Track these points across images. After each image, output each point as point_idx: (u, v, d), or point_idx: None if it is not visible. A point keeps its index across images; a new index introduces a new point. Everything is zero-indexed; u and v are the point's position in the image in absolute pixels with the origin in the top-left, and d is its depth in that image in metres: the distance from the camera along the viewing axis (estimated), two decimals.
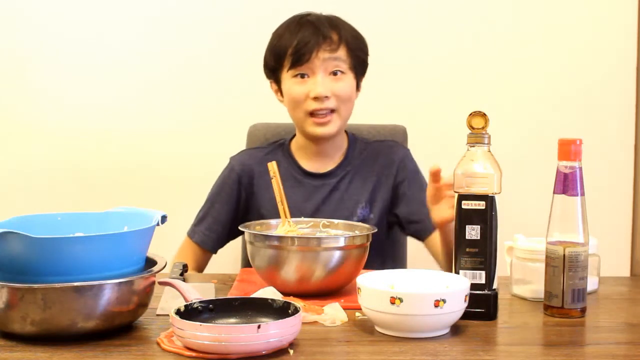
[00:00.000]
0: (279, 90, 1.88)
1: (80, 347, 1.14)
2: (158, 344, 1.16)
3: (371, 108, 2.45)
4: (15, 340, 1.16)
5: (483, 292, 1.31)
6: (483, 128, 1.37)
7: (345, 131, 1.95)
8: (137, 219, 1.27)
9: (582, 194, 1.35)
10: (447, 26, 2.52)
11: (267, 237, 1.46)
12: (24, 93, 2.51)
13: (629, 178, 2.44)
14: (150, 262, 1.28)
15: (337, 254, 1.42)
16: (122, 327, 1.21)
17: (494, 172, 1.33)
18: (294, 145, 1.94)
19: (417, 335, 1.20)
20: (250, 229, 1.52)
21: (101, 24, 2.49)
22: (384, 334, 1.23)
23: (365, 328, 1.26)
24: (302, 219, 1.62)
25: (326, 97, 1.79)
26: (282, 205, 1.58)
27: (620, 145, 2.48)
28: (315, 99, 1.79)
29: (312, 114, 1.81)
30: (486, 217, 1.32)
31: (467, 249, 1.32)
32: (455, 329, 1.25)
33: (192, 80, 2.51)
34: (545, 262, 1.37)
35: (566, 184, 1.35)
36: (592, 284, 1.50)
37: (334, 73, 1.81)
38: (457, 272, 1.33)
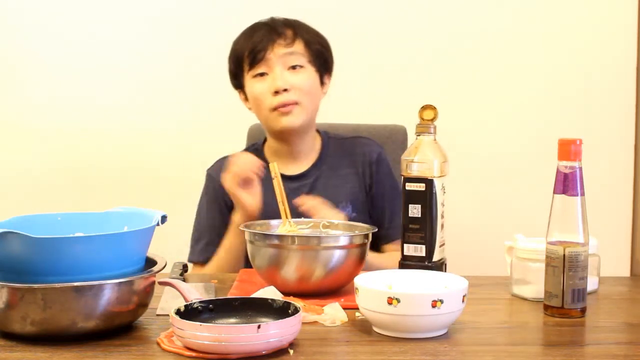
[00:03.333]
0: (246, 97, 1.89)
1: (80, 347, 1.14)
2: (158, 344, 1.16)
3: (371, 108, 2.45)
4: (15, 340, 1.16)
5: (424, 264, 1.46)
6: (432, 120, 1.50)
7: (318, 131, 1.95)
8: (137, 219, 1.27)
9: (582, 194, 1.35)
10: (447, 26, 2.52)
11: (267, 237, 1.46)
12: (24, 93, 2.51)
13: (629, 178, 2.44)
14: (150, 262, 1.28)
15: (337, 254, 1.42)
16: (122, 327, 1.21)
17: (434, 158, 1.47)
18: (267, 150, 1.94)
19: (415, 336, 1.20)
20: (250, 228, 1.52)
21: (101, 24, 2.50)
22: (382, 334, 1.23)
23: (365, 328, 1.26)
24: (303, 219, 1.62)
25: (285, 90, 1.80)
26: (283, 205, 1.58)
27: (620, 145, 2.48)
28: (276, 92, 1.80)
29: (275, 109, 1.81)
30: (426, 197, 1.46)
31: (410, 225, 1.48)
32: (455, 329, 1.25)
33: (192, 80, 2.51)
34: (545, 262, 1.37)
35: (566, 184, 1.35)
36: (592, 284, 1.50)
37: (293, 67, 1.83)
38: (402, 245, 1.48)
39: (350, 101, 2.49)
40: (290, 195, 1.85)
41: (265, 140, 1.95)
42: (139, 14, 2.50)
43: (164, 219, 1.27)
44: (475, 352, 1.16)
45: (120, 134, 2.51)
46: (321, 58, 1.88)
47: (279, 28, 1.84)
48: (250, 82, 1.84)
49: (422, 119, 1.50)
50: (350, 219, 1.79)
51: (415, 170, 1.48)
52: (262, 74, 1.82)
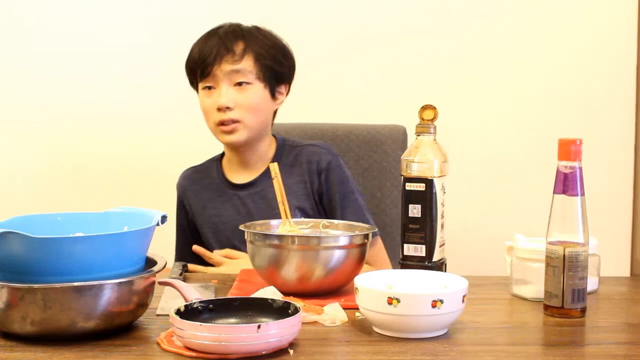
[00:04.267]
0: None
1: (80, 347, 1.14)
2: (158, 344, 1.16)
3: (371, 108, 2.46)
4: (15, 340, 1.16)
5: (424, 264, 1.46)
6: (432, 120, 1.51)
7: (275, 136, 1.95)
8: (137, 219, 1.27)
9: (582, 194, 1.35)
10: (447, 26, 2.52)
11: (267, 237, 1.46)
12: (24, 93, 2.51)
13: (629, 178, 2.44)
14: (150, 262, 1.28)
15: (337, 253, 1.42)
16: (122, 327, 1.21)
17: (434, 158, 1.47)
18: (225, 160, 1.96)
19: (415, 336, 1.20)
20: (250, 228, 1.52)
21: (101, 25, 2.50)
22: (382, 334, 1.23)
23: (365, 328, 1.26)
24: (303, 219, 1.62)
25: (228, 107, 1.81)
26: (283, 205, 1.58)
27: (620, 145, 2.48)
28: (219, 109, 1.81)
29: (219, 124, 1.83)
30: (426, 197, 1.47)
31: (410, 225, 1.48)
32: (455, 329, 1.25)
33: None
34: (545, 262, 1.37)
35: (566, 184, 1.35)
36: (592, 284, 1.50)
37: (239, 84, 1.82)
38: (402, 245, 1.49)
39: (350, 101, 2.49)
40: (240, 205, 1.87)
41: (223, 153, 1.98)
42: (139, 14, 2.50)
43: (164, 219, 1.27)
44: (475, 352, 1.16)
45: (120, 134, 2.51)
46: (271, 72, 1.86)
47: (228, 42, 1.82)
48: (201, 93, 1.87)
49: (422, 119, 1.51)
50: None
51: (415, 170, 1.48)
52: (209, 87, 1.84)
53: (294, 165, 1.89)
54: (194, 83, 1.91)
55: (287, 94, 1.92)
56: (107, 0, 2.50)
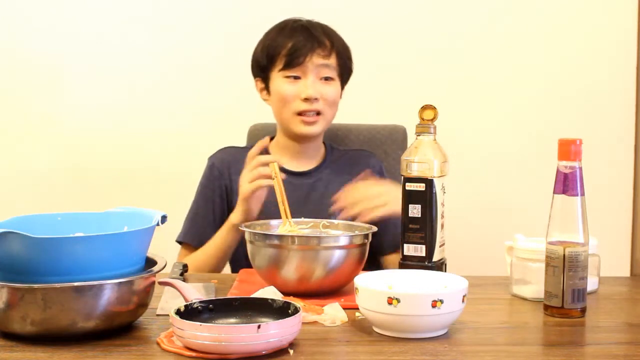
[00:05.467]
0: (265, 88, 1.93)
1: (80, 347, 1.14)
2: (158, 344, 1.16)
3: (371, 108, 2.45)
4: (15, 340, 1.16)
5: (424, 264, 1.46)
6: (432, 120, 1.51)
7: (323, 142, 2.00)
8: (137, 219, 1.27)
9: (582, 194, 1.35)
10: (447, 26, 2.52)
11: (267, 237, 1.46)
12: (24, 93, 2.51)
13: (629, 178, 2.43)
14: (150, 262, 1.28)
15: (337, 254, 1.42)
16: (122, 327, 1.21)
17: (434, 158, 1.47)
18: (274, 146, 1.97)
19: (415, 336, 1.20)
20: (250, 228, 1.52)
21: (102, 25, 2.50)
22: (382, 334, 1.23)
23: (365, 328, 1.26)
24: (303, 219, 1.62)
25: (315, 99, 1.85)
26: (284, 205, 1.58)
27: (620, 145, 2.48)
28: (306, 100, 1.85)
29: (300, 113, 1.86)
30: (426, 197, 1.47)
31: (410, 225, 1.48)
32: (455, 329, 1.25)
33: (192, 80, 2.51)
34: (545, 262, 1.37)
35: (566, 184, 1.35)
36: (592, 284, 1.50)
37: (325, 78, 1.87)
38: (402, 245, 1.48)
39: (350, 101, 2.49)
40: (291, 190, 1.86)
41: (272, 137, 1.97)
42: (140, 15, 2.50)
43: (164, 219, 1.27)
44: (475, 352, 1.16)
45: (121, 134, 2.51)
46: (348, 71, 1.94)
47: (319, 36, 1.87)
48: (280, 81, 1.88)
49: (422, 119, 1.51)
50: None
51: (415, 170, 1.48)
52: (295, 77, 1.86)
53: (347, 165, 1.96)
54: (265, 70, 1.91)
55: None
56: (108, 0, 2.49)
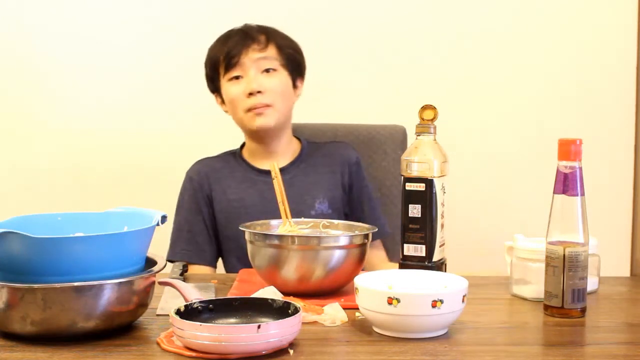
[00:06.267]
0: (222, 100, 1.96)
1: (80, 347, 1.14)
2: (158, 344, 1.16)
3: (371, 108, 2.45)
4: (15, 340, 1.16)
5: (424, 264, 1.47)
6: (432, 120, 1.51)
7: (298, 138, 2.01)
8: (137, 219, 1.27)
9: (582, 194, 1.35)
10: (447, 26, 2.52)
11: (267, 237, 1.46)
12: (24, 93, 2.51)
13: (629, 178, 2.43)
14: (150, 262, 1.28)
15: (337, 253, 1.42)
16: (122, 327, 1.21)
17: (434, 158, 1.47)
18: (246, 152, 2.00)
19: (415, 336, 1.20)
20: (250, 229, 1.52)
21: (101, 24, 2.50)
22: (382, 334, 1.23)
23: (365, 328, 1.26)
24: (303, 219, 1.62)
25: (259, 92, 1.87)
26: (284, 205, 1.58)
27: (620, 145, 2.47)
28: (250, 95, 1.87)
29: (249, 109, 1.88)
30: (426, 197, 1.47)
31: (410, 225, 1.48)
32: (455, 329, 1.25)
33: (192, 80, 2.50)
34: (545, 262, 1.37)
35: (566, 184, 1.35)
36: (592, 284, 1.50)
37: (267, 70, 1.89)
38: (402, 245, 1.49)
39: (350, 101, 2.49)
40: (268, 190, 1.87)
41: (243, 144, 2.01)
42: (139, 14, 2.50)
43: (164, 219, 1.27)
44: (475, 352, 1.16)
45: (121, 134, 2.51)
46: (294, 62, 1.94)
47: (252, 33, 1.91)
48: (226, 85, 1.91)
49: (422, 119, 1.51)
50: (326, 216, 1.83)
51: (415, 170, 1.48)
52: (237, 77, 1.89)
53: (323, 157, 1.97)
54: (214, 81, 1.95)
55: (301, 90, 1.99)
56: (108, 1, 2.49)
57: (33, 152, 2.51)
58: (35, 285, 1.13)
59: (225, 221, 1.91)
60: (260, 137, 1.93)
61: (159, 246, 1.37)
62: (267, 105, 1.87)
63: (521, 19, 2.52)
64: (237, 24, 2.48)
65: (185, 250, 1.91)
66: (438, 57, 2.51)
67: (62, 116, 2.50)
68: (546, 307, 1.37)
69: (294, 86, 1.95)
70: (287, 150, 1.98)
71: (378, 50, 2.51)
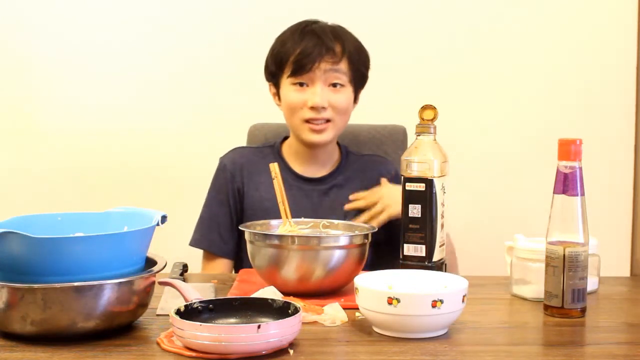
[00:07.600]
0: (277, 94, 1.90)
1: (80, 347, 1.14)
2: (158, 344, 1.16)
3: (371, 108, 2.45)
4: (15, 340, 1.16)
5: (424, 264, 1.47)
6: (432, 120, 1.51)
7: (338, 143, 1.97)
8: (137, 219, 1.27)
9: (582, 194, 1.35)
10: (447, 26, 2.52)
11: (268, 237, 1.46)
12: (24, 93, 2.51)
13: (629, 178, 2.44)
14: (150, 262, 1.28)
15: (337, 254, 1.42)
16: (122, 327, 1.21)
17: (434, 158, 1.47)
18: (286, 149, 1.95)
19: (415, 336, 1.20)
20: (250, 228, 1.52)
21: (101, 25, 2.50)
22: (382, 334, 1.23)
23: (365, 328, 1.26)
24: (303, 219, 1.62)
25: (323, 107, 1.81)
26: (284, 205, 1.58)
27: (620, 145, 2.48)
28: (312, 108, 1.81)
29: (307, 121, 1.83)
30: (426, 197, 1.47)
31: (410, 225, 1.48)
32: (455, 329, 1.25)
33: (192, 80, 2.51)
34: (545, 262, 1.37)
35: (566, 184, 1.35)
36: (592, 284, 1.50)
37: (334, 85, 1.83)
38: (402, 245, 1.49)
39: None
40: (302, 196, 1.86)
41: (284, 138, 1.97)
42: (139, 14, 2.50)
43: (164, 219, 1.27)
44: (475, 352, 1.16)
45: (121, 134, 2.51)
46: (362, 78, 1.89)
47: (328, 41, 1.81)
48: (288, 88, 1.84)
49: (422, 119, 1.51)
50: None
51: (415, 170, 1.48)
52: (301, 84, 1.82)
53: (360, 172, 1.93)
54: (275, 76, 1.88)
55: (358, 100, 1.94)
56: (109, 1, 2.49)
57: (33, 152, 2.51)
58: (35, 285, 1.13)
59: (253, 218, 1.84)
60: (313, 146, 1.88)
61: (159, 246, 1.37)
62: (328, 121, 1.83)
63: (521, 19, 2.52)
64: (237, 23, 2.50)
65: (208, 240, 1.90)
66: (438, 57, 2.51)
67: (62, 116, 2.50)
68: (546, 307, 1.37)
69: (355, 100, 1.90)
70: (328, 160, 1.94)
71: (378, 50, 2.51)
